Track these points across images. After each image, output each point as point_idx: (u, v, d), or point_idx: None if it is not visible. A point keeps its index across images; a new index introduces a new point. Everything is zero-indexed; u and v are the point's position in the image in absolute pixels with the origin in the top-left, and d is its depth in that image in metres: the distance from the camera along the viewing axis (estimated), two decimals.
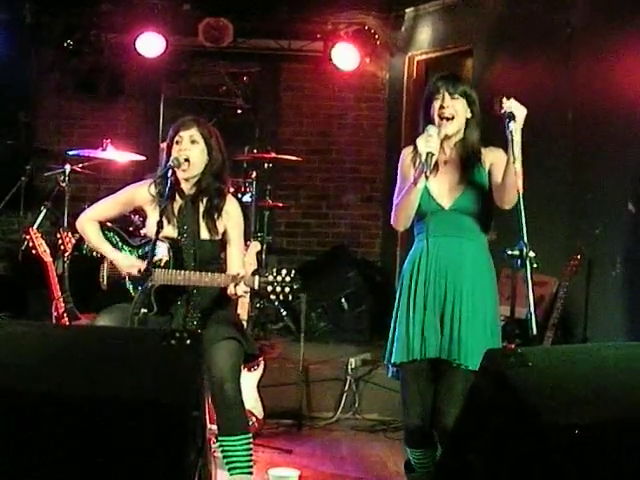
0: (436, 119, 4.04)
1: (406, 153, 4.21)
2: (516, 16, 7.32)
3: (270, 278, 4.08)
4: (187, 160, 4.31)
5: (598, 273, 6.07)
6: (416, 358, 4.03)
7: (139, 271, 4.21)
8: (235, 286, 4.11)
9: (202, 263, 4.37)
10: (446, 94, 4.04)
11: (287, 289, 4.08)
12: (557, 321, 5.92)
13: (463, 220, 4.08)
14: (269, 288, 4.08)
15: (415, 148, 4.01)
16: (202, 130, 4.40)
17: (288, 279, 4.08)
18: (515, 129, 3.74)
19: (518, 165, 3.68)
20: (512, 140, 3.71)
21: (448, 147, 4.13)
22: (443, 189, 4.09)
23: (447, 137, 4.08)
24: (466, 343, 3.95)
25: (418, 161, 3.94)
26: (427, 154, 3.86)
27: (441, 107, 4.03)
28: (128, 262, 4.42)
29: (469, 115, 4.09)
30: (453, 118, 4.04)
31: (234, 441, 4.24)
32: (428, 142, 3.89)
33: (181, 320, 4.36)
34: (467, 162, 4.10)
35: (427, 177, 3.85)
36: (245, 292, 4.16)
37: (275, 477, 5.09)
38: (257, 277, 4.10)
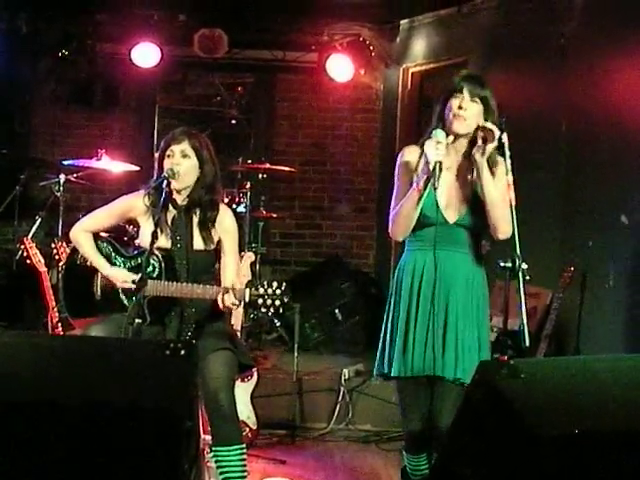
0: (450, 117, 3.92)
1: (409, 153, 4.08)
2: (510, 28, 7.34)
3: (261, 291, 4.08)
4: (178, 173, 4.31)
5: (591, 285, 6.07)
6: (417, 375, 3.99)
7: (133, 282, 4.21)
8: (223, 298, 4.11)
9: (195, 274, 4.36)
10: (467, 94, 3.90)
11: (277, 302, 4.08)
12: (550, 333, 5.93)
13: (465, 235, 4.02)
14: (260, 301, 4.08)
15: (421, 149, 3.93)
16: (193, 143, 4.38)
17: (279, 292, 4.08)
18: (485, 151, 3.75)
19: (510, 177, 3.67)
20: (503, 153, 3.70)
21: (455, 153, 4.01)
22: (449, 200, 3.98)
23: (456, 138, 3.96)
24: (462, 359, 3.93)
25: (424, 167, 3.83)
26: (436, 163, 3.74)
27: (459, 107, 3.90)
28: (122, 276, 4.42)
29: (482, 122, 3.93)
30: (466, 120, 3.91)
31: (228, 451, 4.23)
32: (438, 149, 3.78)
33: (175, 332, 4.36)
34: (474, 175, 3.98)
35: (435, 188, 3.75)
36: (234, 305, 4.14)
37: None
38: (248, 290, 4.10)
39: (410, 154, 4.08)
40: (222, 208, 4.49)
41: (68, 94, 9.07)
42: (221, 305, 4.14)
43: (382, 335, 4.17)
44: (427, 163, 3.80)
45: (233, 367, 4.35)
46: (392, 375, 4.06)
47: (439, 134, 3.85)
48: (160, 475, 2.41)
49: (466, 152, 4.02)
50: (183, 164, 4.33)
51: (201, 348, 4.22)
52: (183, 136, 4.39)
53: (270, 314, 4.19)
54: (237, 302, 4.12)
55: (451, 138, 3.95)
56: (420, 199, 3.87)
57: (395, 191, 4.08)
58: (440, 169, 3.76)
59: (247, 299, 4.09)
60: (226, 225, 4.45)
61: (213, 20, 8.55)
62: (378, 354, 4.18)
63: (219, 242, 4.44)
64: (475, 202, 3.99)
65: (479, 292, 4.06)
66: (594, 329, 6.13)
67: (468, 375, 3.79)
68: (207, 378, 4.21)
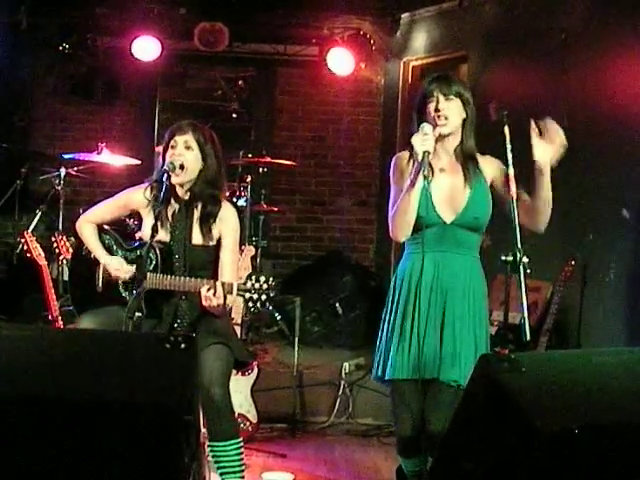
0: (431, 121, 3.92)
1: (400, 158, 4.08)
2: (511, 22, 7.33)
3: (248, 285, 4.03)
4: (182, 167, 4.29)
5: (592, 279, 6.07)
6: (412, 378, 3.95)
7: (131, 278, 4.21)
8: (207, 295, 4.09)
9: (192, 269, 4.34)
10: (440, 96, 3.92)
11: (263, 296, 4.02)
12: (551, 326, 5.93)
13: (462, 235, 3.98)
14: (246, 295, 4.04)
15: (410, 152, 3.95)
16: (197, 136, 4.36)
17: (265, 287, 4.02)
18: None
19: (511, 171, 3.67)
20: (505, 147, 3.71)
21: (446, 153, 4.02)
22: (445, 201, 3.96)
23: (441, 137, 3.96)
24: (459, 361, 3.90)
25: (415, 162, 3.82)
26: (424, 153, 3.74)
27: (436, 110, 3.92)
28: (115, 264, 4.43)
29: (464, 116, 3.98)
30: (447, 119, 3.93)
31: (224, 446, 4.22)
32: (424, 141, 3.78)
33: (168, 325, 4.34)
34: (468, 170, 3.99)
35: (426, 177, 3.72)
36: (218, 304, 4.09)
37: None
38: (235, 284, 4.07)
39: (401, 158, 4.09)
40: (225, 205, 4.44)
41: (68, 88, 9.07)
42: (204, 302, 4.10)
43: (379, 338, 4.14)
44: (416, 155, 3.80)
45: (227, 362, 4.31)
46: (386, 378, 4.03)
47: (426, 127, 3.85)
48: (161, 469, 2.41)
49: (457, 153, 4.03)
50: (185, 156, 4.31)
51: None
52: (188, 128, 4.37)
53: (256, 309, 4.14)
54: (222, 300, 4.09)
55: (438, 131, 3.94)
56: (415, 193, 3.84)
57: (392, 196, 4.06)
58: (429, 159, 3.75)
59: (234, 293, 4.07)
60: (227, 222, 4.41)
61: (214, 14, 8.54)
62: (375, 358, 4.15)
63: (219, 239, 4.42)
64: (472, 201, 3.97)
65: (478, 294, 4.03)
66: (595, 322, 6.13)
67: (464, 378, 3.74)
68: (201, 373, 4.17)
